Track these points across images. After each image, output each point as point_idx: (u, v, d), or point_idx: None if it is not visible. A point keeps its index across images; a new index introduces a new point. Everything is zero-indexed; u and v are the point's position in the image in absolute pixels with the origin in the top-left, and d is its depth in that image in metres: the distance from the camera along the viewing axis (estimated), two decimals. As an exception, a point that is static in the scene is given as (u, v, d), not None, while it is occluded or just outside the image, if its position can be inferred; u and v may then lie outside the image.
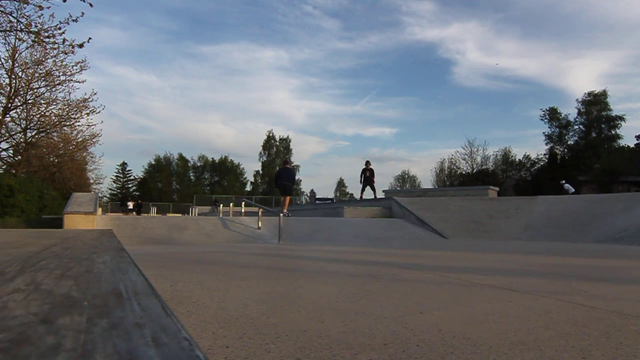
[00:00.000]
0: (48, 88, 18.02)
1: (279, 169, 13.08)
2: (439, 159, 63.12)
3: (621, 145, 41.67)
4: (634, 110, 63.90)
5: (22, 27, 10.92)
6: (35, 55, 17.11)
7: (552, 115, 45.56)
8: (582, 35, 70.54)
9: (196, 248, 6.75)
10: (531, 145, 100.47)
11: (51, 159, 21.51)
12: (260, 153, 63.39)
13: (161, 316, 0.71)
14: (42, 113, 18.64)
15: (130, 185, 59.94)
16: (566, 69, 74.08)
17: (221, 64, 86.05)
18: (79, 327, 0.64)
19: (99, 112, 19.14)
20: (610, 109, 42.46)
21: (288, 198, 11.19)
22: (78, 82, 17.98)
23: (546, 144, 45.86)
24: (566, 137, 45.16)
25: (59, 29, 11.40)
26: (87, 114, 18.93)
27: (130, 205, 31.10)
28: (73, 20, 11.14)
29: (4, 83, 16.97)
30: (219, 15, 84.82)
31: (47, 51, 16.20)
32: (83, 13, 10.88)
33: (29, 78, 17.40)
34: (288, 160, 13.31)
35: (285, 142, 64.07)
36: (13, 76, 17.12)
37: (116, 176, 58.68)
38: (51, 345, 0.55)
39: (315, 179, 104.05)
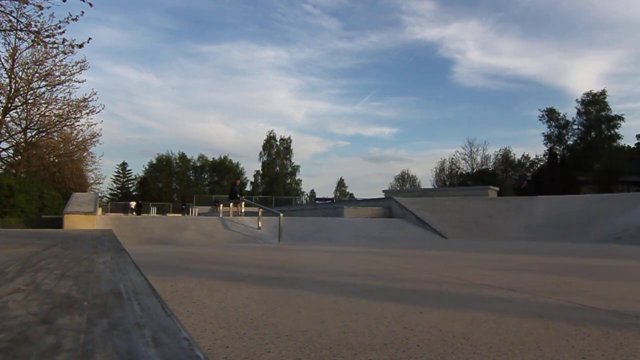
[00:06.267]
0: (48, 88, 18.02)
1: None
2: (439, 159, 62.93)
3: (621, 145, 41.65)
4: (635, 110, 63.45)
5: (22, 26, 10.90)
6: (36, 55, 17.13)
7: (551, 115, 45.52)
8: (582, 34, 70.18)
9: (196, 248, 6.75)
10: (531, 145, 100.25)
11: (51, 159, 21.49)
12: (261, 153, 63.34)
13: (161, 316, 0.71)
14: (42, 113, 18.64)
15: (130, 185, 59.92)
16: (567, 69, 73.76)
17: (221, 64, 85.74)
18: (79, 327, 0.64)
19: (98, 112, 19.16)
20: (610, 109, 42.47)
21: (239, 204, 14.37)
22: (78, 81, 17.99)
23: (545, 144, 45.83)
24: (565, 137, 45.14)
25: (59, 28, 11.41)
26: (87, 113, 18.94)
27: (133, 204, 31.11)
28: (73, 20, 11.13)
29: (4, 83, 16.97)
30: (218, 14, 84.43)
31: (47, 51, 16.20)
32: (83, 12, 10.87)
33: (29, 78, 17.39)
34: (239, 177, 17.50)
35: (286, 142, 64.02)
36: (13, 76, 17.12)
37: (116, 176, 58.61)
38: (51, 345, 0.55)
39: (315, 179, 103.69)
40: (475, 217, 12.05)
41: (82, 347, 0.54)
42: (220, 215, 13.57)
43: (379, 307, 2.16)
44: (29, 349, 0.53)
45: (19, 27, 10.87)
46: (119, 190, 57.81)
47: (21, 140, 18.93)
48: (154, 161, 60.65)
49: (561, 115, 45.23)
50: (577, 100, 44.43)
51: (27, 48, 16.61)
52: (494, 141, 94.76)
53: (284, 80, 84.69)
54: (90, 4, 9.60)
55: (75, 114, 18.84)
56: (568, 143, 44.89)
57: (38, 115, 18.71)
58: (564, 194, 22.55)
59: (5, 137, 18.19)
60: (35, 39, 11.36)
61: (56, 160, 21.57)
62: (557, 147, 45.10)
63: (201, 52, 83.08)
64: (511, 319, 1.93)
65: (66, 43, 11.09)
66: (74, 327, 0.64)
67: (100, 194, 39.35)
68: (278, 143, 63.71)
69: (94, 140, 21.00)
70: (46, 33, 11.32)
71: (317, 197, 60.10)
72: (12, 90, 17.04)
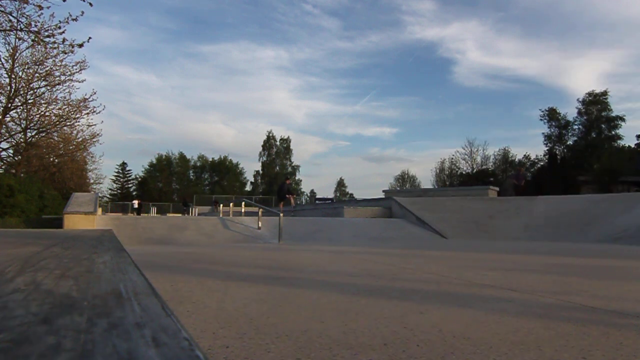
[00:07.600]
0: (48, 88, 18.04)
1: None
2: (439, 159, 62.88)
3: (621, 145, 41.66)
4: (635, 110, 63.50)
5: (22, 26, 10.92)
6: (36, 55, 17.14)
7: (551, 115, 45.54)
8: (583, 34, 70.11)
9: (196, 248, 6.75)
10: (531, 145, 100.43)
11: (51, 159, 21.50)
12: (260, 153, 63.32)
13: (161, 316, 0.71)
14: (42, 113, 18.66)
15: (130, 185, 59.91)
16: (567, 69, 73.80)
17: (221, 64, 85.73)
18: (79, 327, 0.64)
19: (99, 112, 19.18)
20: (611, 109, 42.49)
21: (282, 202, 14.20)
22: (78, 81, 18.02)
23: (545, 144, 45.83)
24: (566, 137, 45.16)
25: (59, 28, 11.43)
26: (87, 113, 18.97)
27: (136, 204, 31.11)
28: (73, 20, 11.17)
29: (4, 83, 16.99)
30: (218, 14, 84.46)
31: (47, 51, 16.22)
32: (83, 12, 10.89)
33: (29, 78, 17.41)
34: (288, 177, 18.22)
35: (286, 142, 63.99)
36: (13, 76, 17.13)
37: (116, 176, 58.60)
38: (51, 345, 0.55)
39: (315, 179, 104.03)
40: (475, 217, 12.05)
41: (82, 347, 0.54)
42: (220, 215, 13.57)
43: (379, 307, 2.16)
44: (28, 349, 0.53)
45: (19, 27, 10.89)
46: (119, 190, 57.79)
47: (21, 140, 18.94)
48: (154, 161, 60.70)
49: (562, 115, 45.25)
50: (578, 100, 44.53)
51: (27, 48, 16.66)
52: (494, 141, 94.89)
53: (284, 80, 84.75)
54: (90, 4, 9.62)
55: (75, 114, 18.88)
56: (568, 143, 44.93)
57: (38, 115, 18.73)
58: (564, 194, 22.56)
59: (5, 137, 18.21)
60: (35, 39, 11.37)
61: (56, 160, 21.58)
62: (558, 147, 45.12)
63: (201, 52, 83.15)
64: (511, 319, 1.93)
65: (66, 43, 11.13)
66: (74, 327, 0.64)
67: (100, 194, 39.35)
68: (278, 143, 63.70)
69: (94, 140, 21.06)
70: (46, 33, 11.35)
71: (317, 197, 60.12)
72: (12, 90, 17.05)
